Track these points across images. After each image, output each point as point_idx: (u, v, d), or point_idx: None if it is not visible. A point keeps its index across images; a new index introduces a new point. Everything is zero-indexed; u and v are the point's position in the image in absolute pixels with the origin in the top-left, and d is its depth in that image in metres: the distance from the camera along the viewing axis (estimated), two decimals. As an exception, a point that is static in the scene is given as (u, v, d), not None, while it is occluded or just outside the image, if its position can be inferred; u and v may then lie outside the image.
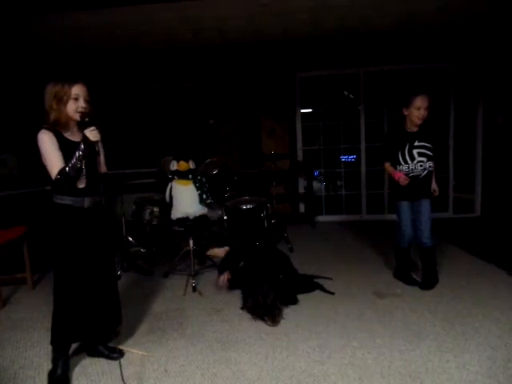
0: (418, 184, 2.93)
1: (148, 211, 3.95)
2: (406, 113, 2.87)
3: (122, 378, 1.92)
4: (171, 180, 3.79)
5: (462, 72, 5.52)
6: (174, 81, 5.81)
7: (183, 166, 3.74)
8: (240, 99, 5.81)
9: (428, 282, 3.00)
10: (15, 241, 3.21)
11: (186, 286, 3.29)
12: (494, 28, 5.05)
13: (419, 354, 2.12)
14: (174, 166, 3.78)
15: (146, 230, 4.21)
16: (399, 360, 2.07)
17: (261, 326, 2.55)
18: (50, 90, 1.95)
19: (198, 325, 2.61)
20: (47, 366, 2.16)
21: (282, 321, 2.60)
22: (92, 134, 1.92)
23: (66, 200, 1.97)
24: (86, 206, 2.02)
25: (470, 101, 5.57)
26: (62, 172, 1.87)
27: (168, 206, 3.79)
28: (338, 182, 6.35)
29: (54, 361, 2.06)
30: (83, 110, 1.96)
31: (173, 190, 3.73)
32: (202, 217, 3.69)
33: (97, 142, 1.96)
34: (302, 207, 5.97)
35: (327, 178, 6.55)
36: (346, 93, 6.00)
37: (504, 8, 4.46)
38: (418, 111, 2.71)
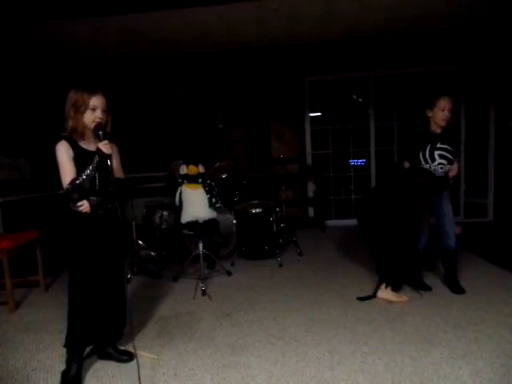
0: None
1: (158, 215, 3.99)
2: (429, 114, 2.81)
3: (139, 381, 1.92)
4: (181, 184, 3.82)
5: (473, 75, 5.47)
6: (184, 86, 5.87)
7: (193, 170, 3.77)
8: (249, 103, 5.83)
9: (459, 285, 2.98)
10: (28, 244, 3.26)
11: (196, 289, 3.30)
12: (505, 30, 4.99)
13: (431, 361, 2.09)
14: (183, 170, 3.81)
15: (156, 234, 4.24)
16: (410, 366, 2.05)
17: (270, 330, 2.55)
18: (71, 97, 1.99)
19: (208, 329, 2.62)
20: (59, 368, 2.18)
21: (291, 326, 2.59)
22: (105, 147, 1.96)
23: None
24: (99, 214, 2.07)
25: (481, 104, 5.52)
26: (72, 183, 1.93)
27: (178, 209, 3.82)
28: (350, 187, 6.31)
29: (68, 362, 2.09)
30: (99, 121, 2.00)
31: (182, 193, 3.75)
32: (211, 221, 3.71)
33: (110, 154, 1.99)
34: (311, 211, 5.95)
35: (336, 182, 6.51)
36: (355, 97, 5.98)
37: (516, 10, 4.42)
38: (442, 112, 2.68)
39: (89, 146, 2.05)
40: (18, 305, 3.17)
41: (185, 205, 3.72)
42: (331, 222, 5.90)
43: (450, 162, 2.87)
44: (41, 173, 4.94)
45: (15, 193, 4.54)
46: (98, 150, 1.96)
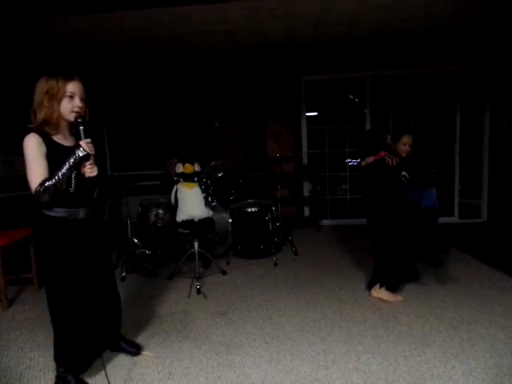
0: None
1: (153, 213, 3.97)
2: (394, 146, 3.17)
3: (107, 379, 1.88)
4: (176, 182, 3.81)
5: (468, 77, 5.51)
6: (180, 84, 5.85)
7: (189, 168, 3.76)
8: (245, 102, 5.83)
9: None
10: (22, 242, 3.23)
11: (191, 288, 3.30)
12: (501, 33, 5.03)
13: (424, 360, 2.10)
14: (179, 168, 3.80)
15: (151, 232, 4.23)
16: (404, 366, 2.06)
17: (265, 329, 2.55)
18: (42, 85, 1.77)
19: (203, 327, 2.61)
20: (53, 366, 2.16)
21: (286, 325, 2.60)
22: (88, 146, 1.75)
23: (60, 212, 1.81)
24: (80, 218, 1.88)
25: (476, 106, 5.55)
26: (42, 184, 1.69)
27: (173, 208, 3.80)
28: (343, 186, 6.34)
29: (63, 374, 1.95)
30: (79, 110, 1.80)
31: (178, 192, 3.74)
32: (206, 219, 3.70)
33: (92, 155, 1.77)
34: (306, 211, 5.96)
35: (332, 182, 6.53)
36: (352, 96, 5.99)
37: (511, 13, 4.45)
38: (404, 146, 3.08)
39: (64, 140, 1.84)
40: (11, 303, 3.15)
41: (180, 203, 3.71)
42: (327, 222, 5.92)
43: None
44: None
45: (9, 190, 4.50)
46: (79, 149, 1.73)
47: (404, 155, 3.11)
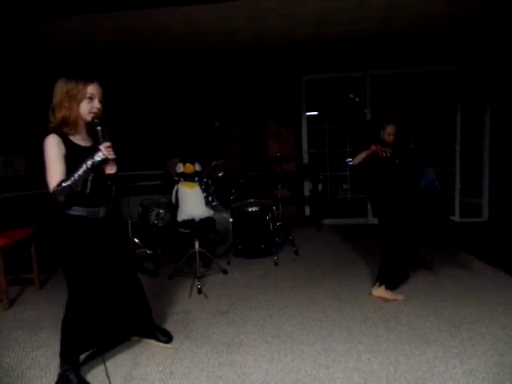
0: None
1: (154, 213, 3.98)
2: (380, 137, 3.19)
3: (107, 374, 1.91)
4: (177, 182, 3.82)
5: (469, 75, 5.50)
6: (180, 84, 5.85)
7: (189, 168, 3.76)
8: (246, 102, 5.82)
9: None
10: (23, 242, 3.24)
11: (192, 288, 3.30)
12: (501, 31, 5.03)
13: (425, 359, 2.10)
14: (180, 168, 3.80)
15: (152, 232, 4.23)
16: (405, 365, 2.06)
17: (266, 329, 2.55)
18: (62, 86, 1.82)
19: (203, 327, 2.62)
20: (54, 365, 2.18)
21: (287, 324, 2.60)
22: (107, 150, 1.80)
23: (80, 211, 1.86)
24: (101, 216, 1.94)
25: (477, 105, 5.55)
26: (60, 184, 1.74)
27: (174, 208, 3.81)
28: (344, 186, 6.34)
29: (65, 373, 1.95)
30: (97, 111, 1.86)
31: (179, 192, 3.75)
32: (207, 219, 3.70)
33: (113, 160, 1.83)
34: (307, 210, 5.96)
35: (332, 181, 6.53)
36: (352, 96, 5.99)
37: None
38: (388, 136, 3.12)
39: (81, 140, 1.89)
40: (12, 303, 3.15)
41: (181, 203, 3.71)
42: (327, 221, 5.92)
43: None
44: (36, 170, 4.90)
45: (10, 190, 4.51)
46: (98, 152, 1.78)
47: (389, 144, 3.14)
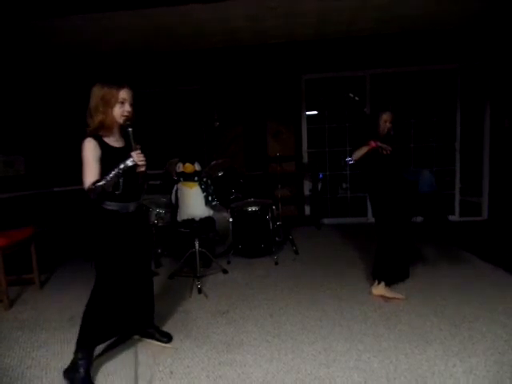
0: None
1: (154, 213, 3.98)
2: (379, 129, 3.18)
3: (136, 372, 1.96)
4: (177, 182, 3.82)
5: (469, 74, 5.50)
6: (180, 83, 5.84)
7: (189, 168, 3.76)
8: (246, 101, 5.82)
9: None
10: (23, 242, 3.24)
11: (192, 287, 3.30)
12: (500, 30, 5.02)
13: (425, 358, 2.10)
14: (179, 168, 3.81)
15: (152, 232, 4.23)
16: (405, 364, 2.06)
17: (266, 328, 2.55)
18: (97, 91, 1.98)
19: (204, 327, 2.62)
20: (54, 365, 2.18)
21: (287, 323, 2.60)
22: (138, 157, 1.96)
23: (112, 206, 2.03)
24: (130, 211, 2.10)
25: (477, 103, 5.54)
26: (94, 184, 1.91)
27: (174, 207, 3.81)
28: (344, 185, 6.34)
29: (78, 362, 2.01)
30: (128, 114, 2.02)
31: (178, 191, 3.75)
32: (207, 219, 3.71)
33: (142, 166, 1.99)
34: (307, 209, 5.96)
35: (332, 180, 6.54)
36: (352, 95, 5.99)
37: (511, 9, 4.44)
38: (385, 124, 3.11)
39: (115, 142, 2.06)
40: (12, 303, 3.15)
41: (181, 203, 3.71)
42: (327, 220, 5.92)
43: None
44: (35, 170, 4.91)
45: (9, 190, 4.51)
46: (129, 157, 1.95)
47: (385, 132, 3.14)
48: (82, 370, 1.98)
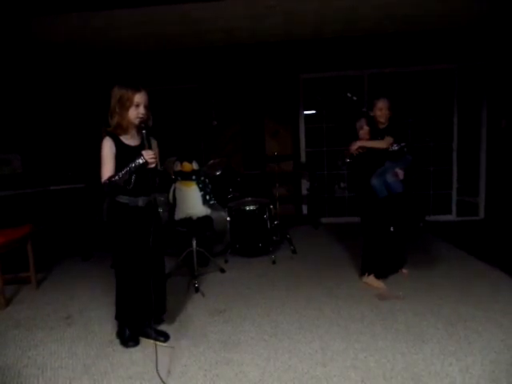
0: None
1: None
2: (372, 114, 3.17)
3: (157, 365, 2.03)
4: (175, 181, 3.81)
5: (466, 74, 5.51)
6: (178, 82, 5.83)
7: (187, 167, 3.76)
8: (243, 101, 5.82)
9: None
10: (19, 240, 3.23)
11: (189, 286, 3.30)
12: (498, 30, 5.04)
13: (422, 357, 2.11)
14: (177, 167, 3.80)
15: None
16: (402, 363, 2.07)
17: (263, 327, 2.55)
18: (115, 94, 2.14)
19: (201, 326, 2.62)
20: (51, 364, 2.18)
21: (284, 323, 2.61)
22: (149, 156, 2.10)
23: (123, 199, 2.20)
24: (140, 205, 2.24)
25: (473, 103, 5.56)
26: (109, 179, 2.09)
27: (171, 206, 3.80)
28: (341, 184, 6.34)
29: (123, 329, 2.38)
30: (142, 117, 2.16)
31: (176, 190, 3.75)
32: (205, 218, 3.70)
33: (152, 164, 2.12)
34: (304, 209, 5.96)
35: (330, 180, 6.54)
36: (350, 95, 5.99)
37: (508, 10, 4.45)
38: (380, 112, 3.05)
39: (131, 140, 2.22)
40: (8, 302, 3.14)
41: (178, 202, 3.71)
42: (325, 220, 5.92)
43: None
44: (32, 168, 4.88)
45: (6, 188, 4.48)
46: (140, 156, 2.08)
47: (382, 120, 3.09)
48: (127, 331, 2.36)
